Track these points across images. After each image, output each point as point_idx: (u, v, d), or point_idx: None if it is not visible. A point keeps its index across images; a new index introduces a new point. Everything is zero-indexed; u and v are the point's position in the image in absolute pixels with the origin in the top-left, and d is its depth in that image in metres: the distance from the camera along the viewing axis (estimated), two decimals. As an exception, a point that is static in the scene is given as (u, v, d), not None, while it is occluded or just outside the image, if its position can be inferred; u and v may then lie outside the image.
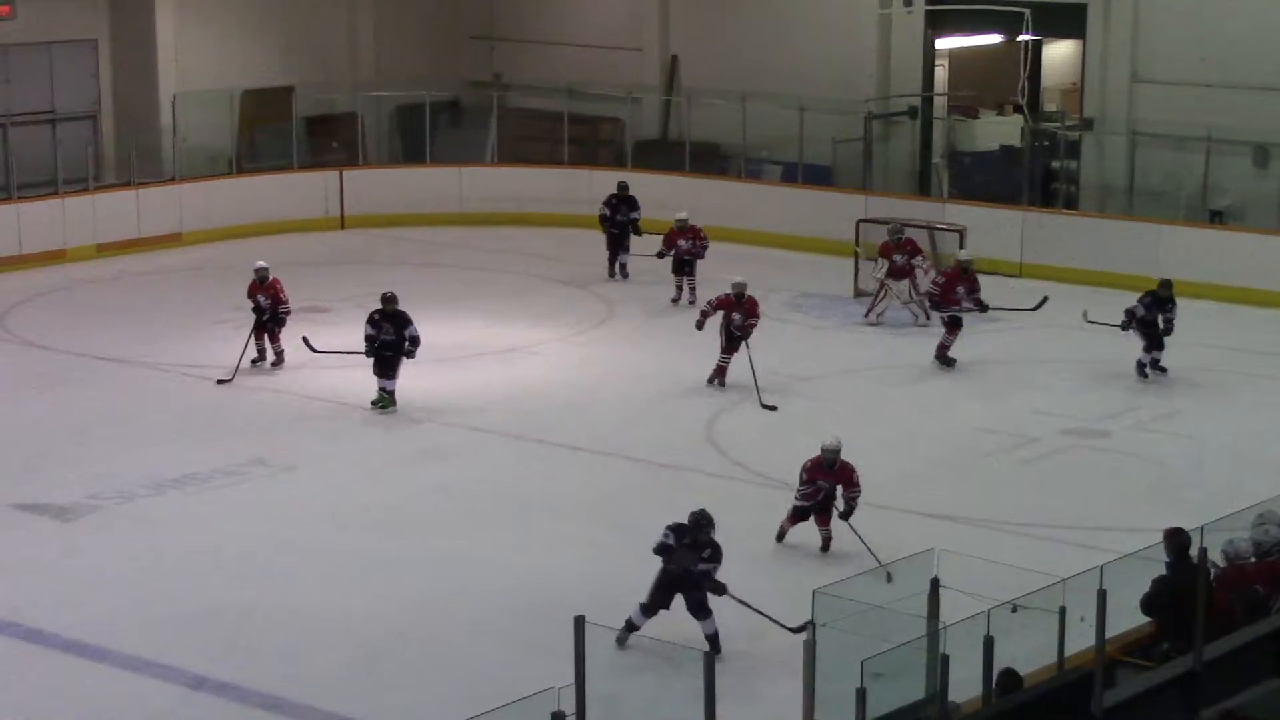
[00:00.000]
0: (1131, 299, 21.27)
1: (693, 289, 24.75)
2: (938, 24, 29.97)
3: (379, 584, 15.14)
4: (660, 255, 25.18)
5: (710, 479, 17.89)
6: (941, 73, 30.74)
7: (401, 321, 19.89)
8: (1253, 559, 12.41)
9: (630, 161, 31.16)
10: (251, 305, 21.34)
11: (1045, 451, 19.00)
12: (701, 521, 13.62)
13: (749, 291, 20.82)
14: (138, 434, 19.23)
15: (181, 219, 28.80)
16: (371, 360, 19.89)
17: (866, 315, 24.07)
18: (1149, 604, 12.08)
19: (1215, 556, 12.17)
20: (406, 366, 19.98)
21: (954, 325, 21.89)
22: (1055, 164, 29.09)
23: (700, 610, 13.55)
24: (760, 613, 13.50)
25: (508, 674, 12.83)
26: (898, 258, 23.97)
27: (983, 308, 21.95)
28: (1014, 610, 10.65)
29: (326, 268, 27.42)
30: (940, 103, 30.70)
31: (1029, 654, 11.04)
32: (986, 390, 21.19)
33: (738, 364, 20.58)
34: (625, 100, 31.78)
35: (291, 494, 17.52)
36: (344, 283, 25.82)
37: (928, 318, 23.78)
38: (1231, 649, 11.03)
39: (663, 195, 27.18)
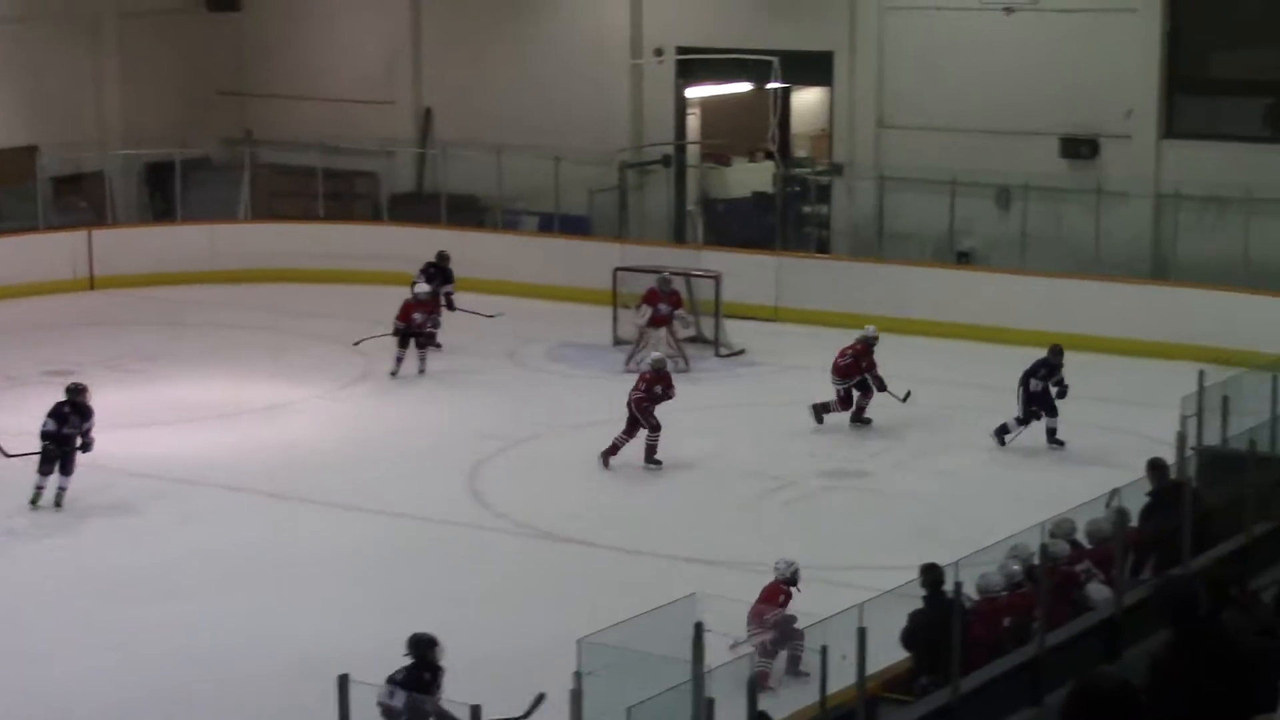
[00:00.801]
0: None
1: (423, 359, 23.98)
2: (688, 74, 30.35)
3: (137, 651, 14.78)
4: (395, 332, 23.99)
5: (473, 532, 17.83)
6: (694, 121, 31.13)
7: (86, 413, 18.76)
8: (1004, 592, 12.79)
9: (386, 214, 31.01)
10: None
11: (806, 493, 19.27)
12: (426, 643, 12.37)
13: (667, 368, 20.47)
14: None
15: (-78, 283, 27.94)
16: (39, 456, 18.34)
17: (627, 364, 24.15)
18: (907, 639, 12.36)
19: (970, 590, 12.46)
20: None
21: (867, 389, 21.35)
22: (807, 209, 29.62)
23: None
24: None
25: (271, 738, 12.61)
26: (662, 307, 24.14)
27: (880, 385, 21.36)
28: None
29: (74, 329, 26.72)
30: (693, 151, 31.09)
31: (794, 694, 11.17)
32: (749, 434, 21.41)
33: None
34: (379, 154, 31.63)
35: (44, 563, 17.03)
36: (93, 345, 25.19)
37: (687, 365, 24.07)
38: (989, 679, 11.27)
39: (419, 249, 26.96)
